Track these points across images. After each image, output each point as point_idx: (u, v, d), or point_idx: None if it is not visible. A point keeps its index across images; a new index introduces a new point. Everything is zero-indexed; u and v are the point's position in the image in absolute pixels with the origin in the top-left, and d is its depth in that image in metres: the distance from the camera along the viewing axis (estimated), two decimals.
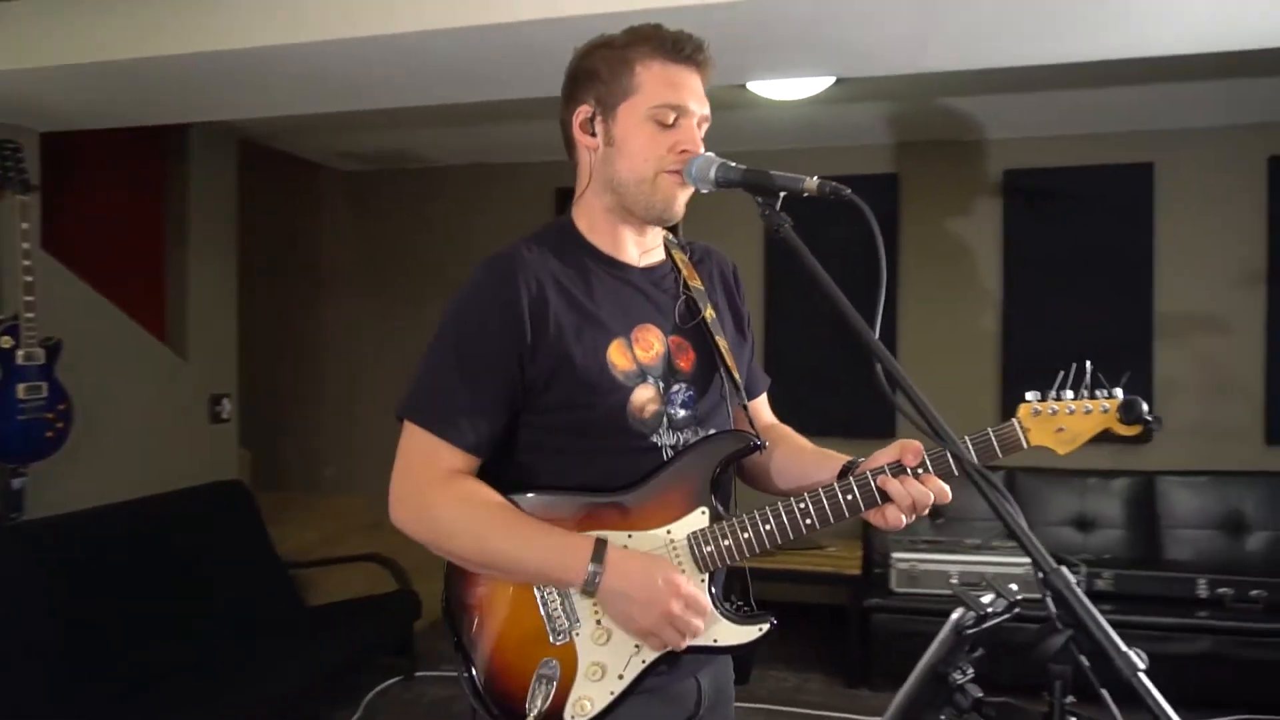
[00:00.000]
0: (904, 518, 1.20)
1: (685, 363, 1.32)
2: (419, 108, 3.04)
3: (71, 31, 2.46)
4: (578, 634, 1.22)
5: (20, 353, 2.97)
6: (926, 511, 1.20)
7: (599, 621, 1.22)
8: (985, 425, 1.33)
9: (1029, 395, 1.22)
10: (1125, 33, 2.08)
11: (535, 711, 1.20)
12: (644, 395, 1.26)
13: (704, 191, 1.28)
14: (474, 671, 1.24)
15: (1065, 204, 4.41)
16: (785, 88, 3.38)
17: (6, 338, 2.95)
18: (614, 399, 1.24)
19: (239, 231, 4.34)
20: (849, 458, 1.32)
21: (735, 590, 1.33)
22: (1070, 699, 0.94)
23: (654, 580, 1.17)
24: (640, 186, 1.27)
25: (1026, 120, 4.25)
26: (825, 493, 1.22)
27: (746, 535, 1.23)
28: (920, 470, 1.20)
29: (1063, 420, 1.20)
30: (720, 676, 1.37)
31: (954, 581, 3.60)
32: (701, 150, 1.28)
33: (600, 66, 1.28)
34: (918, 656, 1.09)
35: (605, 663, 1.22)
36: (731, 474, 1.34)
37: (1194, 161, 4.30)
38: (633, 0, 2.02)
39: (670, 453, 1.27)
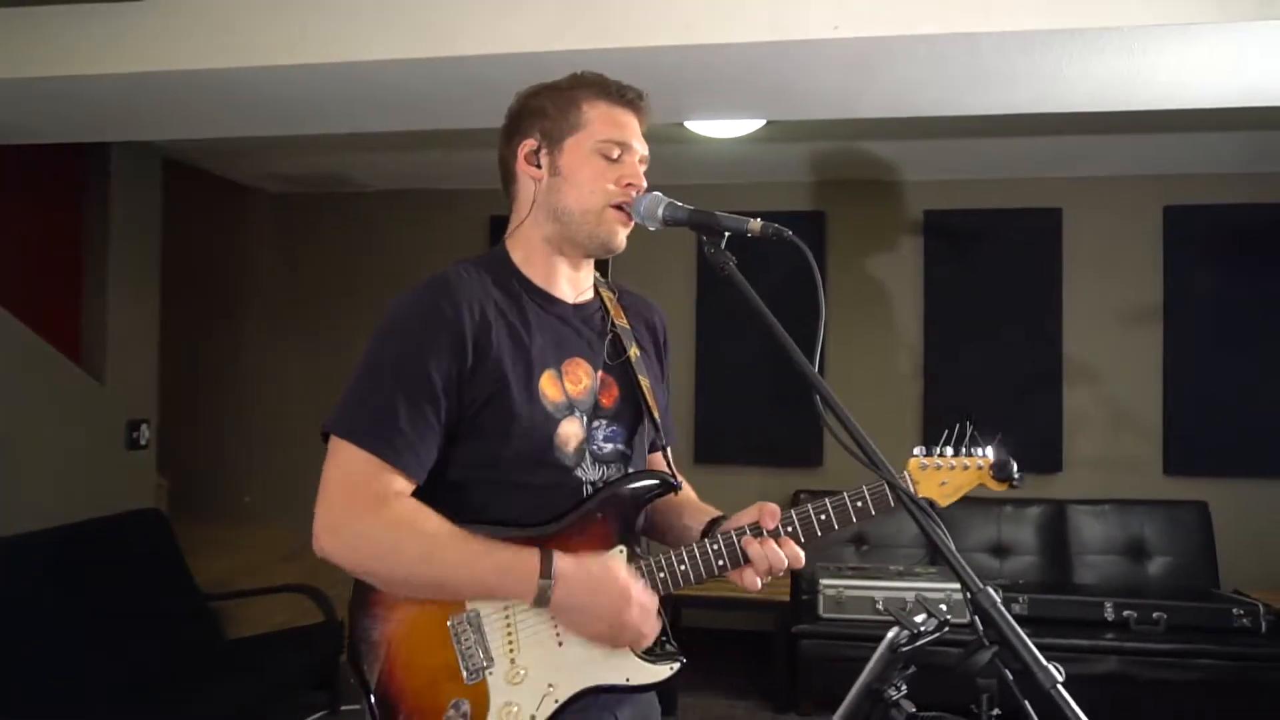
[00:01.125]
0: (759, 581, 1.27)
1: (608, 399, 1.35)
2: (352, 132, 3.03)
3: None
4: (491, 673, 1.21)
5: None
6: (781, 574, 1.27)
7: (513, 660, 1.22)
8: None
9: (916, 450, 1.34)
10: (1039, 90, 2.24)
11: None
12: (569, 428, 1.29)
13: (651, 229, 1.34)
14: (378, 714, 1.22)
15: (981, 244, 4.64)
16: (719, 126, 3.49)
17: None
18: (543, 429, 1.26)
19: (161, 253, 4.23)
20: (718, 513, 1.38)
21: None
22: (996, 711, 1.01)
23: (606, 590, 1.20)
24: (586, 216, 1.31)
25: (946, 164, 4.47)
26: (690, 555, 1.28)
27: (663, 575, 1.27)
28: (775, 534, 1.27)
29: (945, 475, 1.32)
30: (641, 710, 1.37)
31: (879, 605, 3.71)
32: (644, 185, 1.33)
33: (546, 104, 1.34)
34: (845, 681, 1.14)
35: (519, 702, 1.21)
36: (645, 513, 1.36)
37: (1098, 208, 4.59)
38: (580, 40, 2.08)
39: (590, 488, 1.30)
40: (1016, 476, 1.29)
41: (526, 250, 1.35)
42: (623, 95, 1.34)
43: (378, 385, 1.22)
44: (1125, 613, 3.76)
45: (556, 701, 1.22)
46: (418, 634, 1.23)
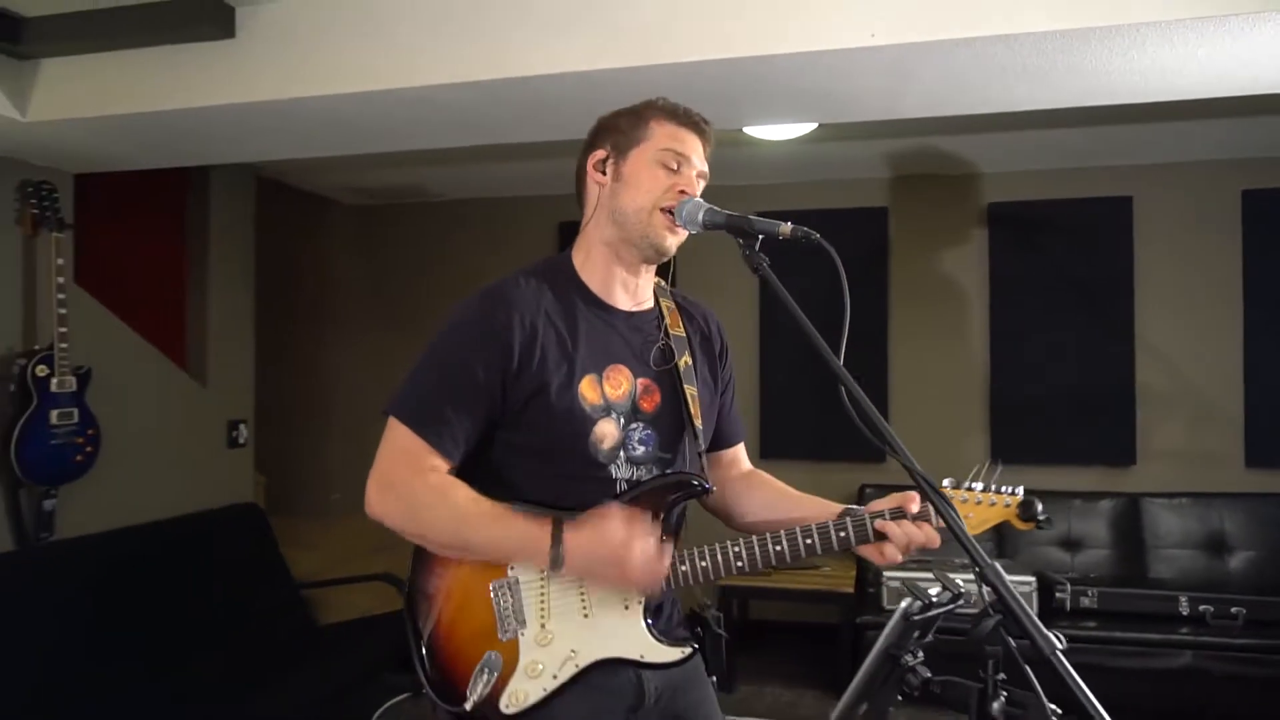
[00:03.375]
0: (899, 555, 1.38)
1: (649, 404, 1.46)
2: (425, 148, 3.22)
3: (106, 86, 2.65)
4: (523, 634, 1.37)
5: (54, 380, 3.14)
6: (915, 550, 1.38)
7: (543, 625, 1.37)
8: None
9: (945, 482, 1.39)
10: (1080, 85, 2.27)
11: (474, 698, 1.34)
12: (605, 428, 1.41)
13: (692, 232, 1.46)
14: (425, 655, 1.39)
15: (1048, 236, 4.59)
16: (776, 129, 3.57)
17: (41, 366, 3.12)
18: (580, 427, 1.39)
19: (255, 264, 4.53)
20: (844, 506, 1.48)
21: (675, 615, 1.52)
22: (1002, 676, 1.09)
23: (605, 542, 1.31)
24: (639, 215, 1.44)
25: (1011, 156, 4.43)
26: (819, 529, 1.39)
27: (684, 568, 1.40)
28: (916, 517, 1.38)
29: (970, 508, 1.37)
30: (676, 676, 1.46)
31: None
32: (695, 194, 1.46)
33: (620, 121, 1.51)
34: None
35: (543, 662, 1.36)
36: (681, 511, 1.48)
37: (1171, 195, 4.48)
38: (626, 58, 2.20)
39: (624, 485, 1.42)
40: (1042, 517, 1.34)
41: (588, 253, 1.49)
42: (688, 117, 1.49)
43: (431, 379, 1.40)
44: (1201, 607, 3.70)
45: (577, 666, 1.36)
46: (464, 592, 1.39)
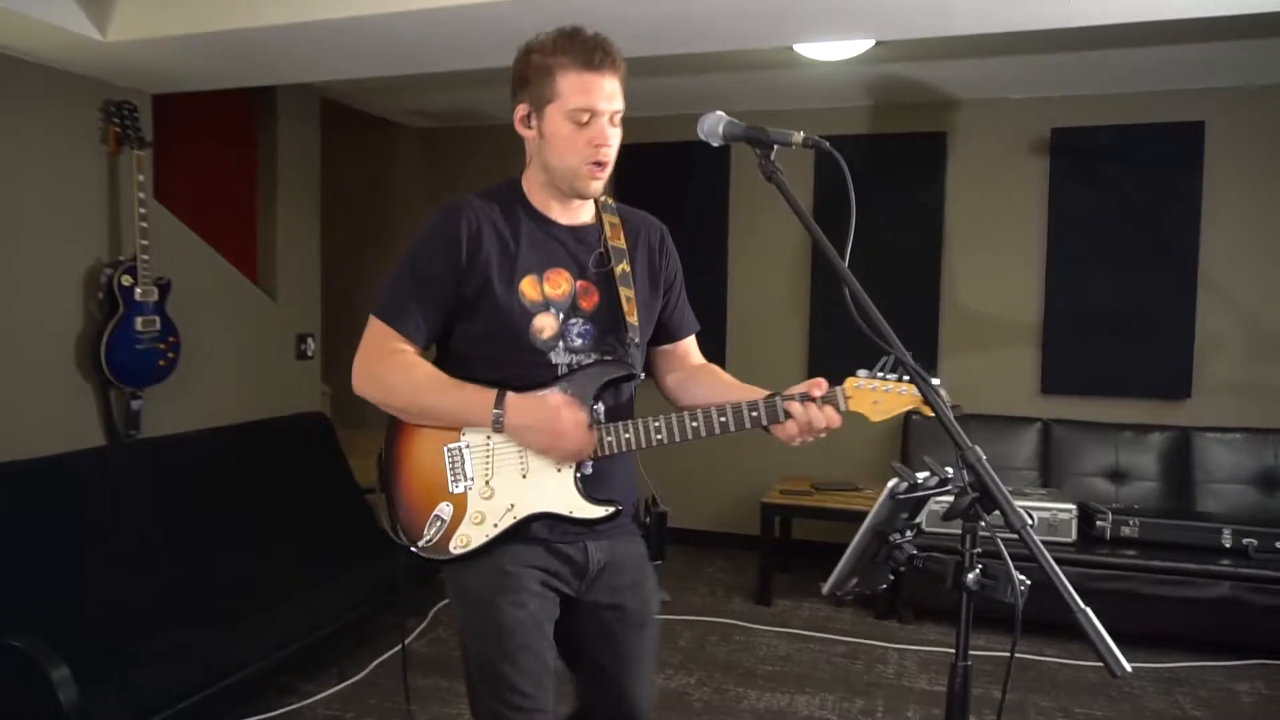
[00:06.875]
0: (798, 437, 1.51)
1: (588, 304, 1.63)
2: (485, 69, 3.29)
3: (182, 6, 2.78)
4: (470, 488, 1.58)
5: (138, 290, 3.37)
6: (820, 434, 1.50)
7: (488, 482, 1.58)
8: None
9: (860, 372, 1.47)
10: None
11: (424, 540, 1.59)
12: (544, 321, 1.60)
13: (714, 145, 1.54)
14: (394, 508, 1.61)
15: (1112, 162, 4.46)
16: (829, 49, 3.53)
17: (127, 276, 3.35)
18: (520, 319, 1.58)
19: (321, 184, 4.70)
20: (770, 392, 1.57)
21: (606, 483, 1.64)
22: (978, 550, 1.18)
23: (540, 409, 1.53)
24: (565, 172, 1.58)
25: (1075, 79, 4.29)
26: (732, 407, 1.53)
27: (610, 439, 1.57)
28: (822, 400, 1.49)
29: (880, 395, 1.45)
30: (619, 550, 1.68)
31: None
32: (609, 143, 1.56)
33: (530, 74, 1.57)
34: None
35: (486, 513, 1.58)
36: (617, 392, 1.65)
37: (1247, 119, 4.30)
38: None
39: (564, 369, 1.61)
40: (952, 406, 1.33)
41: (530, 184, 1.66)
42: (590, 60, 1.52)
43: (399, 278, 1.61)
44: (1245, 540, 3.69)
45: (515, 518, 1.58)
46: (423, 453, 1.61)
